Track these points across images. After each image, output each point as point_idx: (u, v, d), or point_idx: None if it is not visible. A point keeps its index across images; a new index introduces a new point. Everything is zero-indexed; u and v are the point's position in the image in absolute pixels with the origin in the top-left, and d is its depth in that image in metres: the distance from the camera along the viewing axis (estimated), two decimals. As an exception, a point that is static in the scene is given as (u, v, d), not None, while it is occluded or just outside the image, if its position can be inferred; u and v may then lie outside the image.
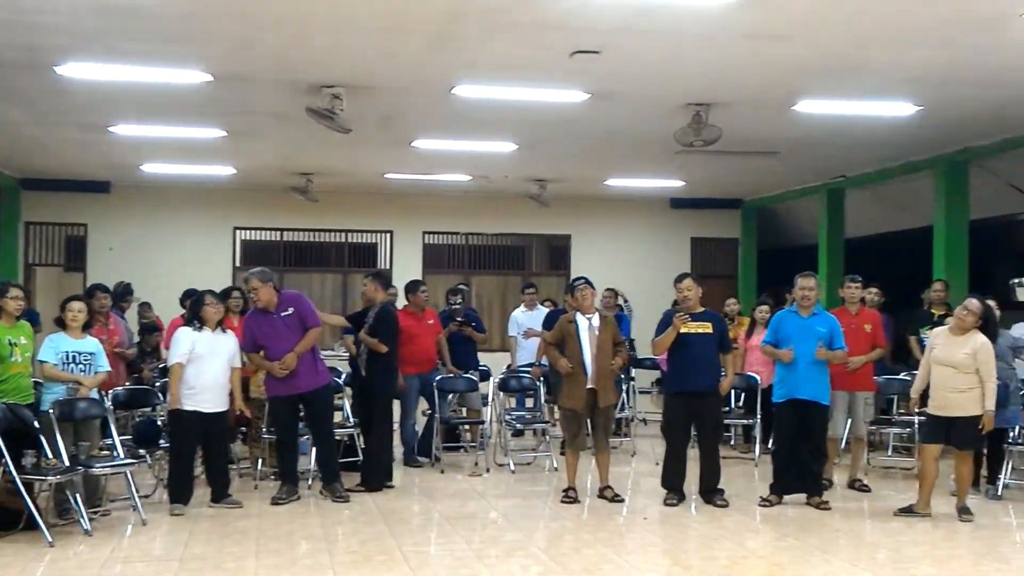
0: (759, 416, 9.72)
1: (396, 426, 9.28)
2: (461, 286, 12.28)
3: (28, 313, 7.69)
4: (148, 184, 15.25)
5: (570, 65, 7.84)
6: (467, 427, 10.37)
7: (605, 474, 7.96)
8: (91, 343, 7.41)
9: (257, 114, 10.02)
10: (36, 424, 6.72)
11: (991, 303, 7.61)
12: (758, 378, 9.78)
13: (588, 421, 7.96)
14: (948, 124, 10.33)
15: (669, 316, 7.94)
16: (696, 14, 6.61)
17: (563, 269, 17.26)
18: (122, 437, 7.59)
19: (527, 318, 11.51)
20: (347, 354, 9.75)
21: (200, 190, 15.66)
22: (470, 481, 8.82)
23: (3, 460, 6.34)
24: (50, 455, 6.63)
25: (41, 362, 7.18)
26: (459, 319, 10.42)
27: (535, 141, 11.54)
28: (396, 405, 9.06)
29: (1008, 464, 8.21)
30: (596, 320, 7.92)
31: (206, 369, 7.37)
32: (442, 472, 9.12)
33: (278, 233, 16.58)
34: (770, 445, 8.38)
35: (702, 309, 7.89)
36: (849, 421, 8.41)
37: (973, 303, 7.29)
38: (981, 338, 7.22)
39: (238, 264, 16.36)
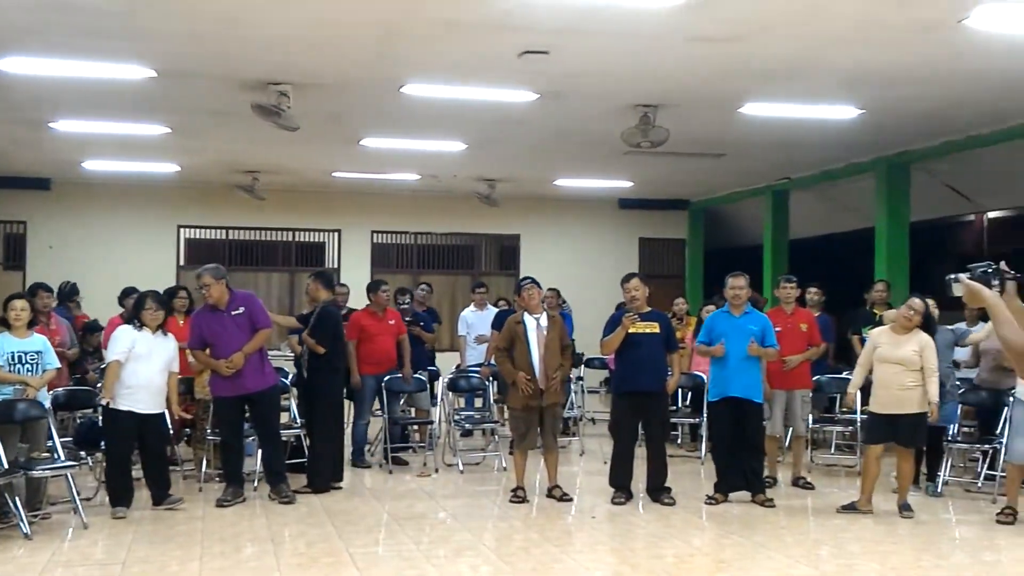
0: (705, 415, 9.81)
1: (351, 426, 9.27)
2: (422, 286, 12.28)
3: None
4: (90, 181, 14.96)
5: (519, 65, 7.85)
6: (416, 427, 10.33)
7: (554, 473, 7.99)
8: (37, 341, 7.26)
9: (202, 111, 9.88)
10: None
11: (930, 302, 7.81)
12: (704, 377, 9.86)
13: (537, 420, 7.98)
14: (889, 127, 10.53)
15: (617, 316, 8.00)
16: (643, 16, 6.66)
17: (512, 269, 17.28)
18: (64, 439, 7.44)
19: (477, 318, 11.51)
20: (292, 354, 9.70)
21: (143, 187, 15.41)
22: (419, 481, 8.80)
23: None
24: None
25: None
26: (407, 319, 10.37)
27: (484, 141, 11.54)
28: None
29: (947, 461, 8.41)
30: (544, 320, 7.95)
31: (143, 370, 7.24)
32: (390, 472, 9.08)
33: (223, 232, 16.37)
34: (708, 443, 8.48)
35: (649, 309, 7.96)
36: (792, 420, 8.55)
37: (917, 302, 7.45)
38: (925, 336, 7.39)
39: (182, 263, 16.15)
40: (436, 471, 9.19)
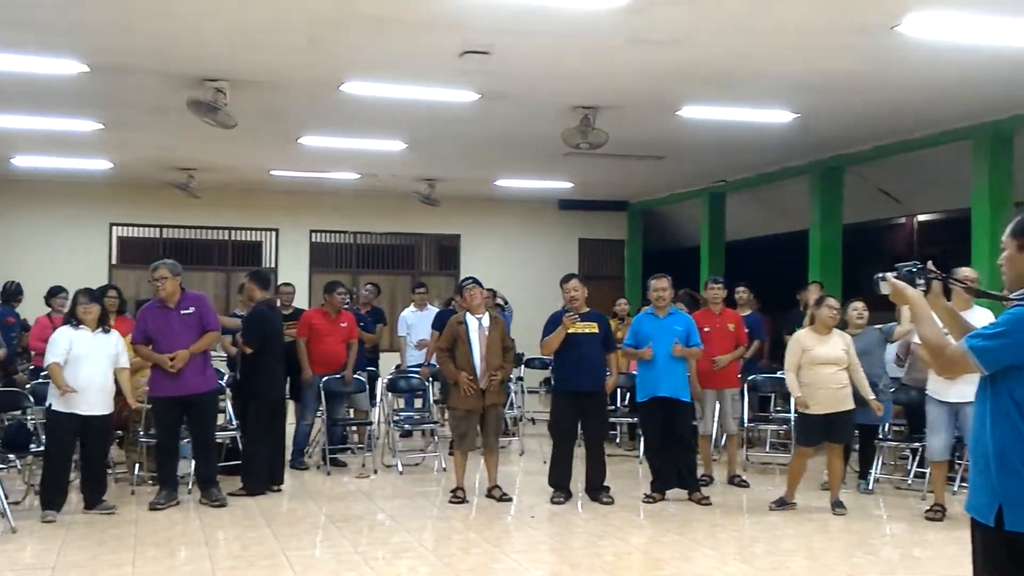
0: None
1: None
2: (368, 286, 12.19)
3: None
4: (19, 178, 14.59)
5: (460, 65, 7.84)
6: (354, 428, 10.26)
7: (493, 473, 7.99)
8: None
9: (136, 107, 9.70)
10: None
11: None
12: (642, 377, 9.96)
13: (478, 421, 7.98)
14: (823, 132, 10.74)
15: (557, 316, 8.03)
16: (584, 18, 6.69)
17: (453, 269, 17.26)
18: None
19: (417, 318, 11.47)
20: (226, 355, 9.60)
21: (75, 184, 15.07)
22: (357, 483, 8.73)
23: None
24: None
25: None
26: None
27: (424, 140, 11.50)
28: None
29: (878, 459, 8.59)
30: (486, 320, 7.95)
31: (85, 371, 7.06)
32: (328, 474, 9.00)
33: (157, 230, 16.09)
34: (641, 444, 8.58)
35: (588, 309, 8.00)
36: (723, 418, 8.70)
37: (834, 301, 7.63)
38: (845, 334, 7.61)
39: (115, 262, 15.86)
40: (375, 472, 9.13)
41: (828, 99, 9.13)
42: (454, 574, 5.79)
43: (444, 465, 9.25)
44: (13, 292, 10.69)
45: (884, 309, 7.93)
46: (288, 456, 9.01)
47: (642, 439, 8.56)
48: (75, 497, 7.35)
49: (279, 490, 8.18)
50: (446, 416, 10.32)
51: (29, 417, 8.05)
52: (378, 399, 10.30)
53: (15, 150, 12.52)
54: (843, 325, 7.84)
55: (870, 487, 8.31)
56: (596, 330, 7.90)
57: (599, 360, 7.95)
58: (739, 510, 7.81)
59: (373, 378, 10.65)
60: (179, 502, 7.56)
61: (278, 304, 9.21)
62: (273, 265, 16.32)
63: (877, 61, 7.72)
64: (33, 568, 5.84)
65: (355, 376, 9.66)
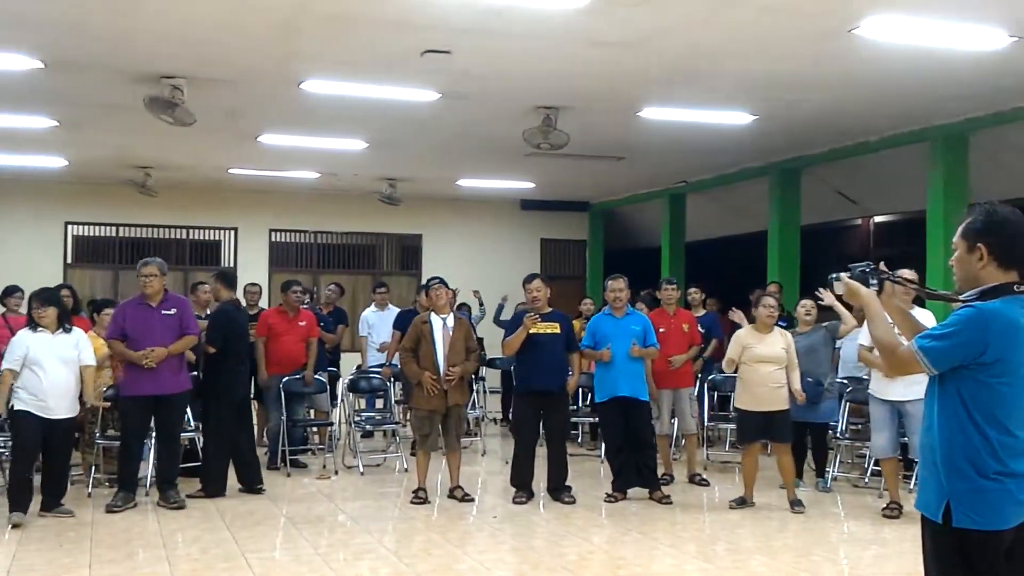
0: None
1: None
2: (331, 287, 12.11)
3: None
4: (-30, 175, 14.33)
5: (421, 64, 7.82)
6: (315, 429, 10.19)
7: (455, 474, 7.98)
8: None
9: (92, 104, 9.55)
10: None
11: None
12: (604, 377, 10.00)
13: (440, 421, 7.96)
14: (782, 133, 10.84)
15: (519, 316, 8.04)
16: (546, 18, 6.70)
17: (414, 269, 17.21)
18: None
19: (378, 318, 11.42)
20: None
21: (29, 182, 14.80)
22: (318, 484, 8.67)
23: None
24: None
25: None
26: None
27: (386, 140, 11.45)
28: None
29: (836, 458, 8.69)
30: (451, 320, 7.94)
31: (46, 373, 6.90)
32: (288, 475, 8.93)
33: (113, 229, 15.85)
34: (600, 443, 8.63)
35: (550, 309, 8.01)
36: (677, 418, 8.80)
37: (772, 300, 7.75)
38: (786, 333, 7.72)
39: (70, 261, 15.61)
40: (336, 473, 9.08)
41: (786, 101, 9.23)
42: (415, 575, 5.77)
43: (406, 466, 9.22)
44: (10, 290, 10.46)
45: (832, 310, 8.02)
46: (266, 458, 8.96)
47: (603, 439, 8.61)
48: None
49: (262, 490, 8.10)
50: (408, 417, 10.30)
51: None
52: (339, 399, 10.25)
53: (-33, 147, 12.28)
54: (792, 323, 7.96)
55: (828, 485, 8.41)
56: (558, 330, 7.91)
57: (561, 360, 7.97)
58: (699, 509, 7.86)
59: (334, 378, 10.60)
60: (136, 504, 7.47)
61: (243, 304, 9.14)
62: (232, 264, 16.14)
63: (835, 64, 7.81)
64: (-14, 573, 5.74)
65: (316, 376, 9.60)
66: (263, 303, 11.65)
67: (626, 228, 18.37)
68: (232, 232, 16.39)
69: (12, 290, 10.22)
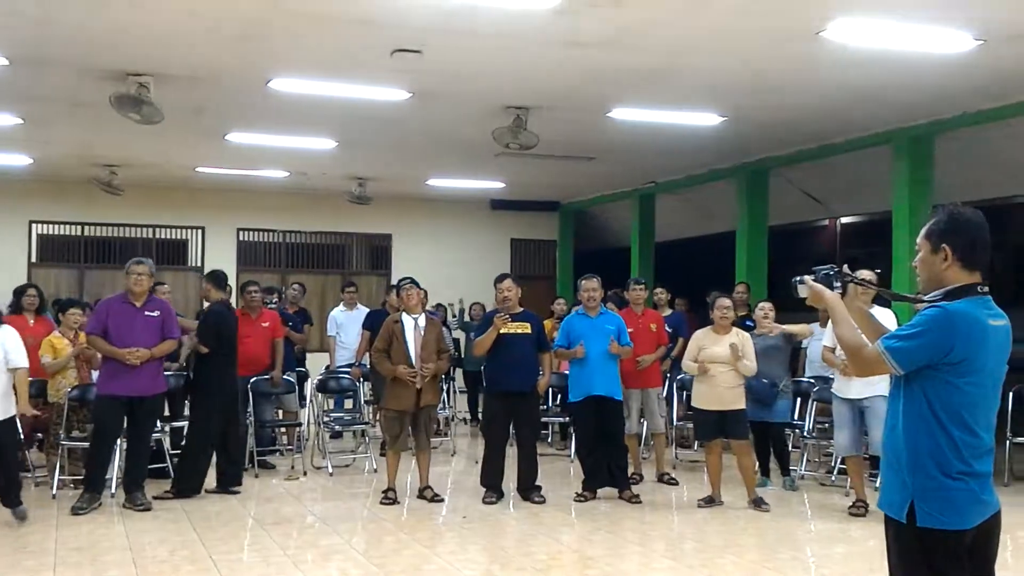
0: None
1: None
2: (295, 286, 12.04)
3: None
4: (-68, 172, 14.11)
5: (391, 63, 7.79)
6: (283, 430, 10.13)
7: (425, 474, 7.96)
8: None
9: (57, 101, 9.43)
10: None
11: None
12: (574, 377, 10.02)
13: (410, 421, 7.94)
14: (750, 135, 10.92)
15: (489, 316, 8.05)
16: (516, 18, 6.70)
17: (384, 269, 17.16)
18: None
19: (346, 318, 11.37)
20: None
21: (-8, 180, 14.63)
22: (286, 485, 8.62)
23: None
24: None
25: None
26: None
27: (355, 139, 11.41)
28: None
29: (803, 457, 8.77)
30: (422, 321, 7.92)
31: None
32: (256, 476, 8.86)
33: (79, 228, 15.67)
34: (573, 444, 8.65)
35: (521, 309, 8.02)
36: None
37: (726, 301, 7.82)
38: (741, 332, 7.81)
39: (34, 260, 15.40)
40: (305, 474, 9.03)
41: (755, 103, 9.29)
42: (385, 576, 5.76)
43: (375, 466, 9.19)
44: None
45: (797, 311, 8.10)
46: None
47: (575, 438, 8.63)
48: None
49: (237, 492, 8.06)
50: (378, 417, 10.27)
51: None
52: (308, 400, 10.20)
53: (-72, 144, 12.09)
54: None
55: (794, 484, 8.48)
56: (529, 330, 7.92)
57: (531, 360, 7.98)
58: (668, 508, 7.90)
59: (302, 379, 10.54)
60: (101, 503, 7.39)
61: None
62: (199, 264, 16.03)
63: (802, 66, 7.88)
64: (-53, 577, 5.65)
65: (284, 377, 9.55)
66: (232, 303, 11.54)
67: (596, 228, 18.43)
68: (199, 231, 16.26)
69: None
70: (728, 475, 8.02)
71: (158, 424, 8.53)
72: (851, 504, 7.48)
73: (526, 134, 9.52)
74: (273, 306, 10.29)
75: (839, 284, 3.32)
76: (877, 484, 7.89)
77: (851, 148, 11.03)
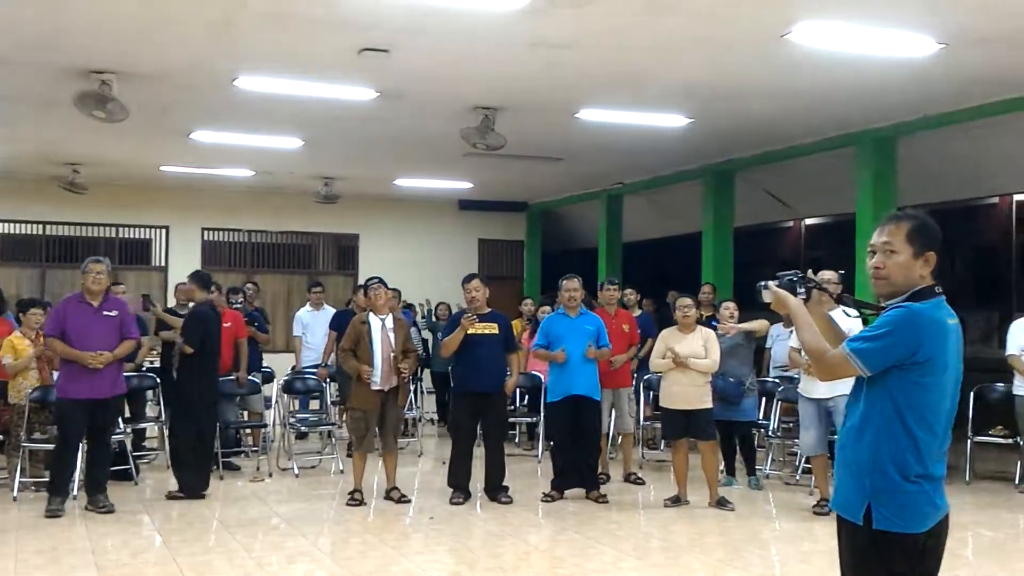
0: (542, 414, 9.97)
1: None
2: (248, 285, 11.94)
3: None
4: None
5: (358, 62, 7.75)
6: (248, 431, 10.06)
7: (392, 475, 7.94)
8: None
9: (17, 99, 9.29)
10: None
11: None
12: (541, 377, 10.03)
13: (377, 422, 7.90)
14: (716, 136, 10.99)
15: (457, 317, 8.04)
16: (484, 19, 6.69)
17: (351, 269, 17.08)
18: None
19: (313, 318, 11.31)
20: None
21: (-49, 179, 14.39)
22: (252, 487, 8.56)
23: None
24: None
25: None
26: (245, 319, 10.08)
27: (322, 138, 11.34)
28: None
29: (768, 456, 8.83)
30: (390, 321, 7.89)
31: None
32: (221, 478, 8.78)
33: (40, 227, 15.44)
34: (544, 441, 8.65)
35: (489, 310, 8.02)
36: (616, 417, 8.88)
37: (687, 301, 7.87)
38: (707, 330, 7.88)
39: (-6, 259, 15.18)
40: (270, 476, 8.97)
41: (721, 105, 9.35)
42: (351, 577, 5.73)
43: (341, 467, 9.14)
44: None
45: (761, 311, 8.17)
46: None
47: (548, 436, 8.60)
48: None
49: (204, 495, 7.99)
50: (344, 418, 10.22)
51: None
52: (273, 400, 10.13)
53: None
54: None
55: (759, 483, 8.54)
56: (496, 331, 7.92)
57: (499, 361, 7.98)
58: (635, 507, 7.94)
59: (268, 379, 10.47)
60: (65, 501, 7.31)
61: (188, 304, 9.02)
62: (163, 264, 15.88)
63: (768, 68, 7.93)
64: (-97, 581, 5.55)
65: (249, 377, 9.47)
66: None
67: (564, 229, 18.46)
68: (163, 231, 16.09)
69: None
70: (695, 475, 8.07)
71: (120, 425, 8.48)
72: (815, 503, 7.55)
73: (494, 135, 9.52)
74: (238, 306, 10.21)
75: (803, 290, 3.33)
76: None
77: (816, 150, 11.13)
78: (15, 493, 7.74)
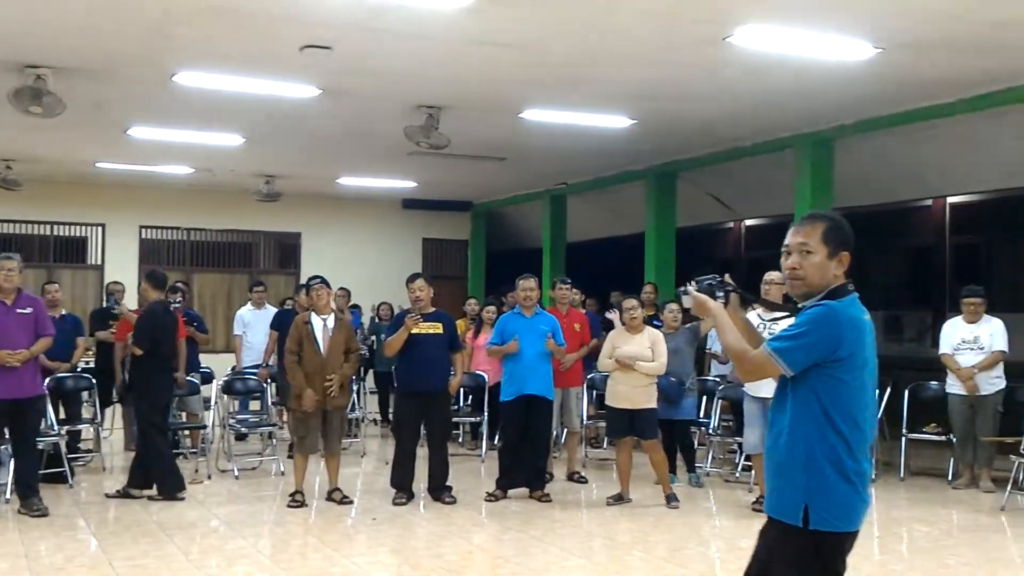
0: (486, 414, 9.97)
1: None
2: (179, 284, 11.73)
3: None
4: None
5: (301, 59, 7.67)
6: (187, 432, 9.89)
7: (334, 476, 7.87)
8: None
9: (-52, 91, 9.04)
10: None
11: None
12: (485, 376, 10.04)
13: (319, 423, 7.82)
14: (659, 138, 11.08)
15: (400, 317, 8.00)
16: (428, 17, 6.66)
17: (293, 268, 16.92)
18: None
19: (254, 317, 11.16)
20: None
21: None
22: (190, 488, 8.39)
23: None
24: None
25: None
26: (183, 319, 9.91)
27: (264, 135, 11.21)
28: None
29: (709, 454, 8.92)
30: (331, 321, 7.82)
31: None
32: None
33: (-28, 224, 15.08)
34: (497, 441, 8.64)
35: (433, 309, 7.99)
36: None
37: (635, 302, 7.93)
38: (654, 331, 7.96)
39: (-77, 257, 14.72)
40: (209, 477, 8.83)
41: (664, 106, 9.43)
42: (292, 579, 5.66)
43: (283, 469, 9.04)
44: None
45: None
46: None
47: (495, 436, 8.58)
48: None
49: (143, 496, 7.83)
50: (285, 418, 10.10)
51: None
52: (212, 401, 9.98)
53: None
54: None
55: (699, 480, 8.63)
56: (440, 330, 7.89)
57: (443, 360, 7.95)
58: (578, 506, 7.97)
59: (207, 379, 10.32)
60: (-7, 513, 7.13)
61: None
62: (100, 262, 15.57)
63: (710, 70, 8.02)
64: None
65: (187, 378, 9.32)
66: (132, 304, 11.23)
67: (508, 228, 18.49)
68: (99, 229, 15.78)
69: None
70: (638, 473, 8.13)
71: (56, 427, 8.29)
72: (755, 500, 7.64)
73: (437, 134, 9.50)
74: (177, 306, 10.02)
75: (722, 294, 3.36)
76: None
77: (757, 152, 11.28)
78: (-57, 497, 7.53)
